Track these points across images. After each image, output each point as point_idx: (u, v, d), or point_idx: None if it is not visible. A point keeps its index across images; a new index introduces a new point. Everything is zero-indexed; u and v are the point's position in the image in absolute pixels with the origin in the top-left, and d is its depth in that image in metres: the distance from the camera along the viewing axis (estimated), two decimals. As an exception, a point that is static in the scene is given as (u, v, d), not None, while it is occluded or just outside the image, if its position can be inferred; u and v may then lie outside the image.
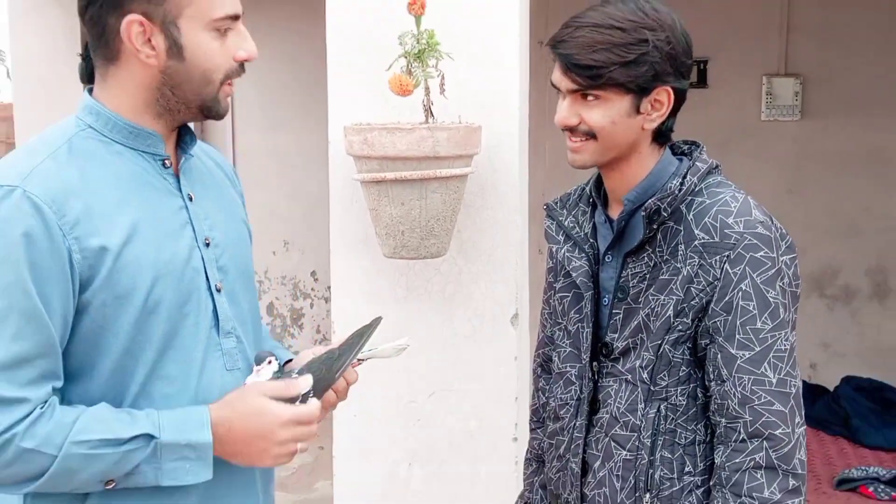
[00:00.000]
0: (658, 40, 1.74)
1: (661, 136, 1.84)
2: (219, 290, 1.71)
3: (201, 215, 1.72)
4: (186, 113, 1.69)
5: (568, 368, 1.96)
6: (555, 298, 2.02)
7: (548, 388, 2.09)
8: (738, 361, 1.73)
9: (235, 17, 1.66)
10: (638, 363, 1.82)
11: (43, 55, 4.62)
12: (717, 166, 1.86)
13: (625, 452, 1.84)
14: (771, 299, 1.73)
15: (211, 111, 1.69)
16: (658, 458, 1.81)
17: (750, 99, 5.72)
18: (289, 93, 6.26)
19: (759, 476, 1.72)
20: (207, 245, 1.71)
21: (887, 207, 5.65)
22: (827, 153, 5.64)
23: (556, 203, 2.00)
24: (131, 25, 1.60)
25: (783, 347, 1.74)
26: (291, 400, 1.63)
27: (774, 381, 1.73)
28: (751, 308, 1.72)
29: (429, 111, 2.47)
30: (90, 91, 1.70)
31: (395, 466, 2.78)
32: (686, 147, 1.90)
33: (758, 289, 1.72)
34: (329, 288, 3.76)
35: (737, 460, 1.74)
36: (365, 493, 2.81)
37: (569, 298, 1.96)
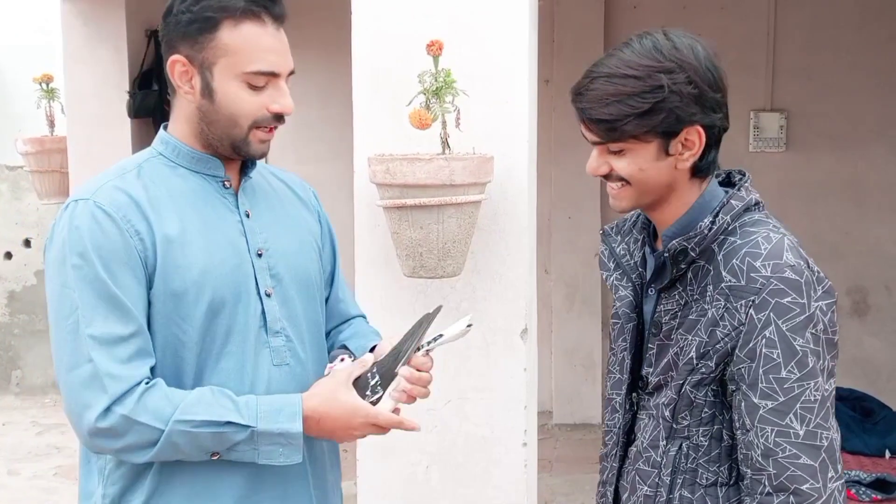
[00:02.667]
0: (676, 83, 1.55)
1: (700, 171, 1.65)
2: (269, 295, 1.76)
3: (257, 229, 1.79)
4: (221, 148, 1.75)
5: (614, 395, 1.81)
6: (611, 324, 1.83)
7: None
8: (761, 411, 1.54)
9: (273, 74, 1.71)
10: (662, 401, 1.67)
11: (94, 92, 4.63)
12: (756, 203, 1.65)
13: (646, 488, 1.69)
14: (798, 347, 1.52)
15: (241, 150, 1.74)
16: (677, 497, 1.65)
17: (739, 132, 5.71)
18: (319, 126, 6.28)
19: None
20: (260, 255, 1.77)
21: (864, 232, 5.64)
22: (809, 182, 5.63)
23: (612, 228, 1.83)
24: (174, 64, 1.71)
25: (813, 398, 1.53)
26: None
27: (801, 433, 1.52)
28: (775, 356, 1.53)
29: (445, 143, 2.47)
30: (165, 126, 1.81)
31: (414, 468, 2.76)
32: (737, 177, 1.71)
33: (783, 336, 1.52)
34: (353, 304, 3.77)
35: None
36: (386, 492, 2.79)
37: (618, 325, 1.78)
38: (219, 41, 1.68)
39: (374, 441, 2.78)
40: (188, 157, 1.76)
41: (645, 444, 1.71)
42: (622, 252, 1.78)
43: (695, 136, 1.60)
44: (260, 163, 1.90)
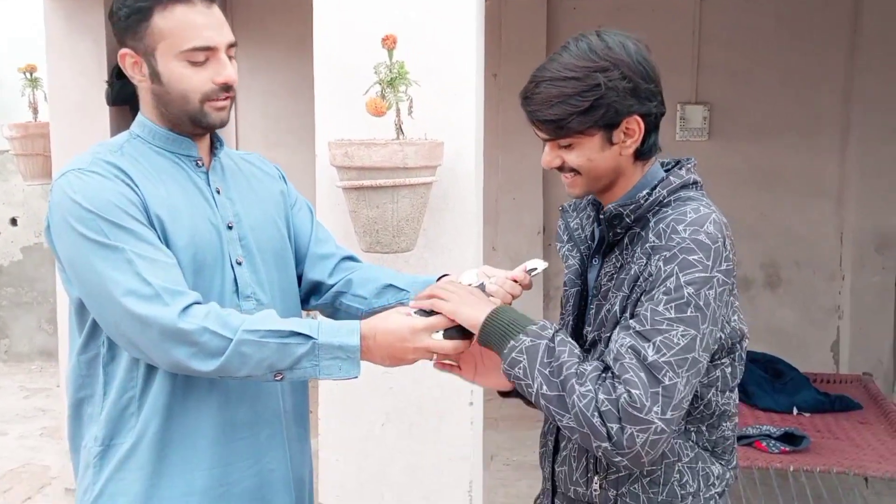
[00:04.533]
0: (612, 80, 1.56)
1: (643, 154, 1.67)
2: (239, 263, 1.78)
3: (227, 205, 1.80)
4: (183, 125, 1.75)
5: None
6: (562, 292, 1.85)
7: None
8: (629, 329, 1.52)
9: (209, 49, 1.70)
10: (596, 355, 1.64)
11: (75, 81, 4.54)
12: (694, 182, 1.67)
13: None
14: (686, 294, 1.50)
15: (201, 123, 1.74)
16: None
17: (666, 123, 5.68)
18: (285, 115, 6.23)
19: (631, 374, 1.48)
20: (230, 227, 1.78)
21: (778, 214, 5.73)
22: (730, 169, 5.70)
23: (570, 206, 1.84)
24: (124, 58, 1.74)
25: (675, 341, 1.49)
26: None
27: (650, 359, 1.48)
28: (661, 294, 1.51)
29: (399, 129, 2.46)
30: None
31: (371, 426, 2.77)
32: (685, 163, 1.72)
33: (678, 282, 1.50)
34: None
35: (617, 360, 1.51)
36: (346, 448, 2.79)
37: (566, 292, 1.80)
38: (154, 27, 1.68)
39: (334, 400, 2.78)
40: (163, 138, 1.76)
41: None
42: (575, 226, 1.80)
43: (634, 125, 1.62)
44: (229, 148, 1.90)
